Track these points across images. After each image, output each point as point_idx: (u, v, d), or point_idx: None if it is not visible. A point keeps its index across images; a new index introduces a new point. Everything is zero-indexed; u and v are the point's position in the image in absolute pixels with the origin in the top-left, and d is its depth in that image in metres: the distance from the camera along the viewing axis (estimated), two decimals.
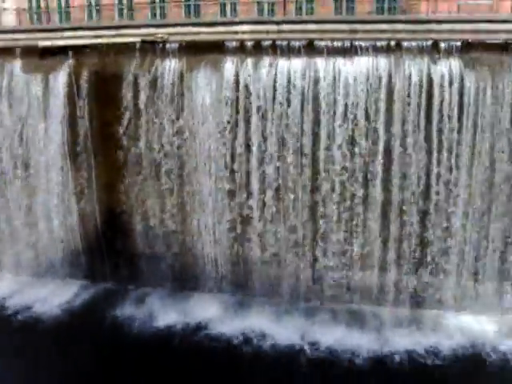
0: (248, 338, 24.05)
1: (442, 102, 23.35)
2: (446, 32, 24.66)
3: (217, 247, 26.06)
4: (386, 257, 24.85)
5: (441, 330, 24.51)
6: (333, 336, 24.03)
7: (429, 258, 24.69)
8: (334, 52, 24.10)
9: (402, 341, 23.88)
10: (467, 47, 23.64)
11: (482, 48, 23.80)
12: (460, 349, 23.59)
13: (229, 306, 26.04)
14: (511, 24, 24.37)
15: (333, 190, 24.46)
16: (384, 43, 23.81)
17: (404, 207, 24.21)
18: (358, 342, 23.79)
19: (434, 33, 24.52)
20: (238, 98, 24.37)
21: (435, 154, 23.60)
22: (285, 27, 24.68)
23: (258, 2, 29.48)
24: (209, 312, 25.38)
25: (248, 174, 25.00)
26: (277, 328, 24.54)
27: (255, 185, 24.96)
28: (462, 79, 23.33)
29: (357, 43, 23.92)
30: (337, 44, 24.15)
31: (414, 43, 23.75)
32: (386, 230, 24.38)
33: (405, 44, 23.65)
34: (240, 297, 26.50)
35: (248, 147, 24.68)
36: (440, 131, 23.37)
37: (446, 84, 23.35)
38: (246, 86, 24.10)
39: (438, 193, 23.75)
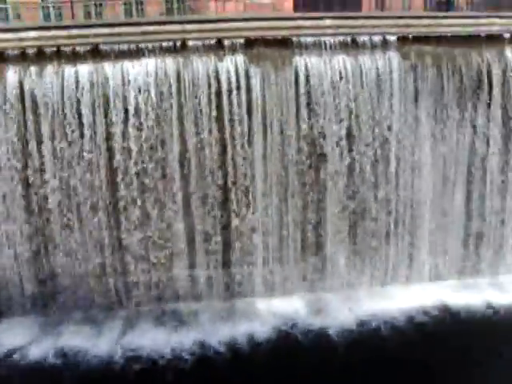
0: (64, 357, 22.95)
1: (229, 96, 23.72)
2: (233, 30, 25.27)
3: (19, 263, 24.61)
4: (194, 254, 24.88)
5: (255, 316, 25.09)
6: (152, 339, 23.77)
7: (236, 250, 25.02)
8: (121, 55, 23.58)
9: (220, 332, 24.06)
10: (251, 44, 24.33)
11: (264, 44, 24.69)
12: (273, 332, 24.25)
13: (41, 327, 24.65)
14: (290, 21, 25.63)
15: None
16: (171, 44, 23.84)
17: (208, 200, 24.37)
18: (179, 340, 23.82)
19: (223, 31, 25.05)
20: (24, 108, 23.06)
21: (229, 149, 24.02)
22: (73, 32, 23.90)
23: (42, 7, 28.38)
24: (18, 338, 23.88)
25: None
26: (95, 341, 23.71)
27: None
28: (247, 74, 24.00)
29: (143, 45, 23.70)
30: (123, 47, 23.67)
31: (199, 42, 24.01)
32: (190, 227, 24.52)
33: (190, 43, 23.87)
34: (53, 316, 25.08)
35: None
36: (232, 125, 23.87)
37: (233, 79, 23.88)
38: (32, 96, 22.92)
39: (234, 183, 24.23)
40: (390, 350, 23.56)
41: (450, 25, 46.04)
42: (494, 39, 26.24)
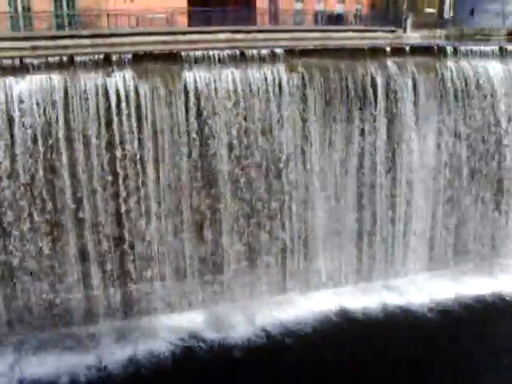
0: None
1: (119, 111, 23.37)
2: (123, 45, 24.94)
3: None
4: (88, 274, 24.26)
5: (155, 334, 24.73)
6: (48, 365, 22.85)
7: (131, 267, 24.58)
8: (4, 71, 22.73)
9: (119, 353, 23.54)
10: (139, 58, 24.14)
11: (152, 59, 24.56)
12: (174, 348, 24.02)
13: None
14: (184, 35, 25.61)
15: None
16: (57, 59, 23.26)
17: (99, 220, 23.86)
18: (75, 364, 22.98)
19: (114, 46, 24.66)
20: None
21: (118, 163, 23.60)
22: None
23: None
24: None
25: None
26: None
27: None
28: (136, 89, 23.74)
29: (28, 60, 22.99)
30: (7, 62, 22.85)
31: (87, 58, 23.57)
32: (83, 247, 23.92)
33: (78, 59, 23.38)
34: None
35: None
36: (121, 141, 23.51)
37: (122, 95, 23.54)
38: None
39: (125, 201, 23.86)
40: (291, 357, 23.87)
41: (338, 38, 47.95)
42: (376, 52, 27.03)
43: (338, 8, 63.34)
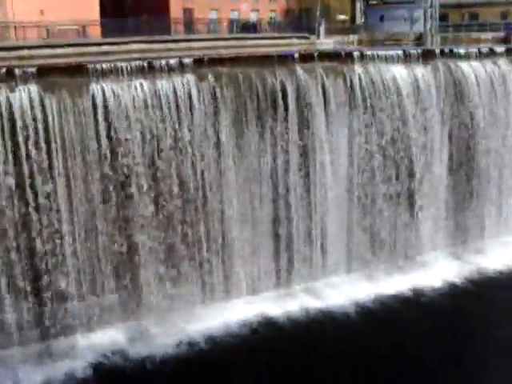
0: None
1: (26, 126, 22.74)
2: (29, 58, 24.27)
3: None
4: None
5: (74, 354, 24.11)
6: None
7: (45, 284, 23.91)
8: None
9: (33, 377, 22.79)
10: (44, 72, 23.55)
11: (59, 72, 24.02)
12: (94, 367, 23.47)
13: None
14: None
15: None
16: None
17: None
18: None
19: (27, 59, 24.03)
20: None
21: (27, 180, 23.13)
22: None
23: None
24: None
25: None
26: None
27: None
28: (42, 103, 23.14)
29: None
30: None
31: None
32: None
33: None
34: None
35: None
36: (28, 157, 22.86)
37: (27, 109, 22.88)
38: None
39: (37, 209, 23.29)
40: (215, 365, 24.08)
41: (252, 46, 48.31)
42: (285, 58, 27.43)
43: (252, 16, 63.99)
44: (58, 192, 23.95)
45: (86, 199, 24.50)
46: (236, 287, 27.96)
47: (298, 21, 58.40)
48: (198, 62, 26.04)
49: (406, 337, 25.72)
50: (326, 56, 28.31)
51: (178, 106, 25.51)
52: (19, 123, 23.22)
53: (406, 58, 29.95)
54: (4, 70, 23.64)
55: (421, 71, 30.07)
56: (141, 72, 25.31)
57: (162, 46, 48.46)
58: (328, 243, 29.44)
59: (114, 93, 24.56)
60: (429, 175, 30.92)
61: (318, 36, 54.79)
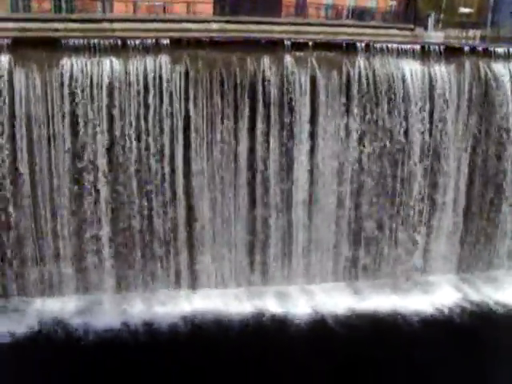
0: None
1: None
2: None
3: None
4: None
5: (25, 316, 25.06)
6: None
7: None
8: None
9: None
10: (16, 44, 24.41)
11: (31, 45, 24.78)
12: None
13: None
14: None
15: None
16: None
17: None
18: None
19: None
20: None
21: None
22: None
23: None
24: None
25: None
26: None
27: None
28: (11, 74, 24.04)
29: None
30: None
31: None
32: None
33: None
34: None
35: None
36: None
37: None
38: None
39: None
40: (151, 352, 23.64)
41: (342, 33, 46.04)
42: (275, 46, 25.71)
43: (368, 3, 60.52)
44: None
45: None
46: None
47: (412, 11, 54.00)
48: (176, 44, 25.00)
49: None
50: (324, 45, 25.72)
51: (147, 87, 24.70)
52: None
53: (424, 54, 26.13)
54: None
55: (440, 70, 26.10)
56: (114, 50, 24.82)
57: (247, 26, 47.62)
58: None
59: (82, 68, 24.55)
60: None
61: (426, 28, 50.32)
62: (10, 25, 34.83)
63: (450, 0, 56.15)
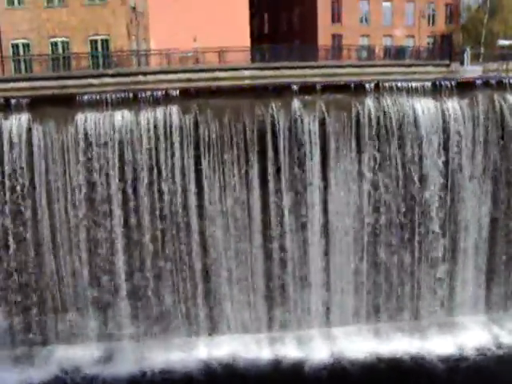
0: None
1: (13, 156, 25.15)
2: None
3: None
4: None
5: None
6: None
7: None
8: None
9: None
10: (35, 103, 25.70)
11: (49, 103, 26.04)
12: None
13: None
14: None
15: None
16: None
17: None
18: None
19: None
20: None
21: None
22: None
23: None
24: None
25: None
26: None
27: None
28: (30, 131, 25.25)
29: None
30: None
31: None
32: None
33: None
34: None
35: None
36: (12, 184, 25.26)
37: (15, 137, 25.16)
38: None
39: None
40: None
41: (371, 73, 46.09)
42: (281, 90, 26.05)
43: (405, 42, 60.60)
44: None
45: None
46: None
47: (442, 46, 53.77)
48: (184, 94, 25.68)
49: None
50: (331, 87, 25.83)
51: (158, 137, 25.39)
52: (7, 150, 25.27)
53: (436, 90, 25.86)
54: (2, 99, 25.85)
55: (452, 105, 25.73)
56: (125, 103, 25.71)
57: (282, 72, 48.45)
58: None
59: (95, 123, 25.51)
60: None
61: (462, 63, 49.82)
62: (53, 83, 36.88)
63: (490, 33, 55.25)
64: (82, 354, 26.36)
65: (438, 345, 26.08)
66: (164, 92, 25.97)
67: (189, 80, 43.33)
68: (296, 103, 25.97)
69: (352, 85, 26.17)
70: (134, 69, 48.11)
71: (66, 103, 26.20)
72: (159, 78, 45.15)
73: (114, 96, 25.92)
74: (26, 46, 46.94)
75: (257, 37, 67.18)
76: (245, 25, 64.12)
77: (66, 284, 26.64)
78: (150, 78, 45.67)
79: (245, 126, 25.84)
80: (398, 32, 60.05)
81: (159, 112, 25.94)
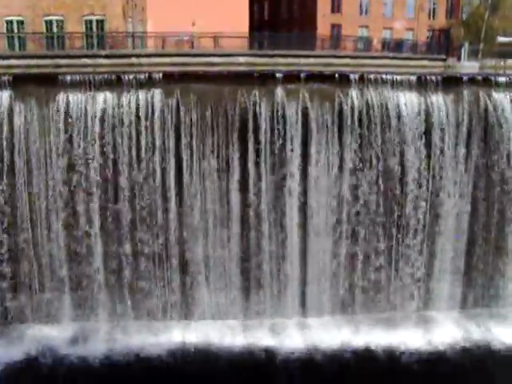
0: None
1: None
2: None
3: None
4: None
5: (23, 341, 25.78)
6: None
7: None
8: None
9: None
10: (16, 81, 25.55)
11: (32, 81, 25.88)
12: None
13: None
14: None
15: None
16: None
17: None
18: None
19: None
20: None
21: None
22: None
23: None
24: None
25: None
26: None
27: None
28: (11, 110, 25.13)
29: None
30: None
31: None
32: None
33: None
34: None
35: None
36: None
37: None
38: None
39: None
40: None
41: (369, 65, 45.87)
42: (266, 78, 25.90)
43: (406, 35, 60.21)
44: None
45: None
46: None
47: (439, 41, 53.44)
48: (168, 78, 25.54)
49: None
50: (316, 78, 25.67)
51: (138, 121, 25.28)
52: None
53: (421, 85, 25.69)
54: None
55: (437, 101, 25.58)
56: (108, 85, 25.57)
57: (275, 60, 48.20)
58: None
59: (77, 103, 25.37)
60: None
61: (459, 58, 49.49)
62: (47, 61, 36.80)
63: (491, 29, 54.85)
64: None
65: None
66: (147, 75, 25.58)
67: (183, 64, 43.08)
68: (279, 91, 25.67)
69: (336, 75, 25.84)
70: (129, 51, 47.80)
71: (49, 82, 25.73)
72: (153, 61, 44.91)
73: (96, 77, 25.53)
74: (20, 23, 46.55)
75: (257, 24, 66.84)
76: (244, 11, 63.81)
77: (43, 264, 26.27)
78: (144, 60, 45.40)
79: (227, 111, 25.38)
80: (397, 24, 59.66)
81: (141, 95, 25.43)
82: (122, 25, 50.39)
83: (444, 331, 26.39)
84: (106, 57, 44.00)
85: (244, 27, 60.33)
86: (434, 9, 63.32)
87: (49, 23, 47.94)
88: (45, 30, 47.96)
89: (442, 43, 53.37)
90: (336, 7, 60.50)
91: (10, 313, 26.86)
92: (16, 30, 46.34)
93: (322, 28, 58.52)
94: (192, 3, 59.18)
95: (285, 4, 65.89)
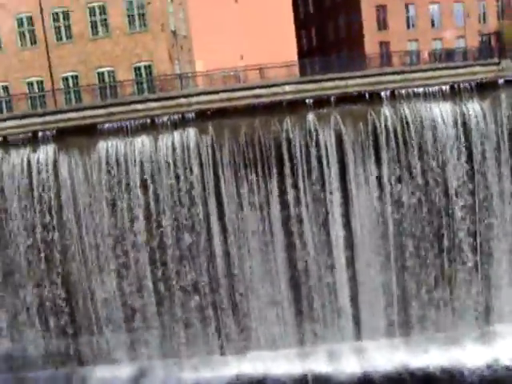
0: None
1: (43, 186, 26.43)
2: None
3: None
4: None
5: None
6: None
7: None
8: None
9: None
10: (61, 134, 26.88)
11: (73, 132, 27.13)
12: None
13: None
14: None
15: None
16: None
17: None
18: None
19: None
20: None
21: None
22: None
23: None
24: None
25: None
26: None
27: None
28: (55, 161, 26.43)
29: None
30: None
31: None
32: None
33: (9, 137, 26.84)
34: None
35: None
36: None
37: (43, 168, 26.40)
38: None
39: None
40: None
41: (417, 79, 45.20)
42: (296, 105, 26.06)
43: (457, 44, 58.68)
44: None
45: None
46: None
47: (489, 44, 51.82)
48: (201, 115, 26.12)
49: None
50: (347, 99, 25.61)
51: (175, 159, 25.97)
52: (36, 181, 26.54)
53: (454, 93, 25.11)
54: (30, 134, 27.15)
55: (473, 108, 24.90)
56: (144, 129, 26.42)
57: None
58: None
59: (119, 149, 26.36)
60: None
61: None
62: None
63: None
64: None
65: None
66: (181, 115, 26.19)
67: (229, 99, 43.64)
68: (310, 116, 25.67)
69: (367, 94, 25.58)
70: (177, 92, 48.85)
71: (88, 132, 26.79)
72: (201, 100, 45.78)
73: (133, 123, 26.38)
74: (75, 78, 48.68)
75: (307, 50, 66.97)
76: (291, 39, 64.01)
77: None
78: (193, 99, 46.35)
79: (260, 143, 25.57)
80: (447, 34, 58.29)
81: (177, 135, 26.02)
82: (169, 68, 51.70)
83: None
84: (155, 100, 45.28)
85: (292, 55, 60.48)
86: (484, 13, 61.61)
87: (101, 75, 49.86)
88: (97, 82, 49.86)
89: (495, 46, 51.58)
90: (382, 25, 59.82)
91: None
92: (71, 85, 48.45)
93: (370, 47, 57.85)
94: (239, 38, 60.04)
95: (331, 27, 65.84)
